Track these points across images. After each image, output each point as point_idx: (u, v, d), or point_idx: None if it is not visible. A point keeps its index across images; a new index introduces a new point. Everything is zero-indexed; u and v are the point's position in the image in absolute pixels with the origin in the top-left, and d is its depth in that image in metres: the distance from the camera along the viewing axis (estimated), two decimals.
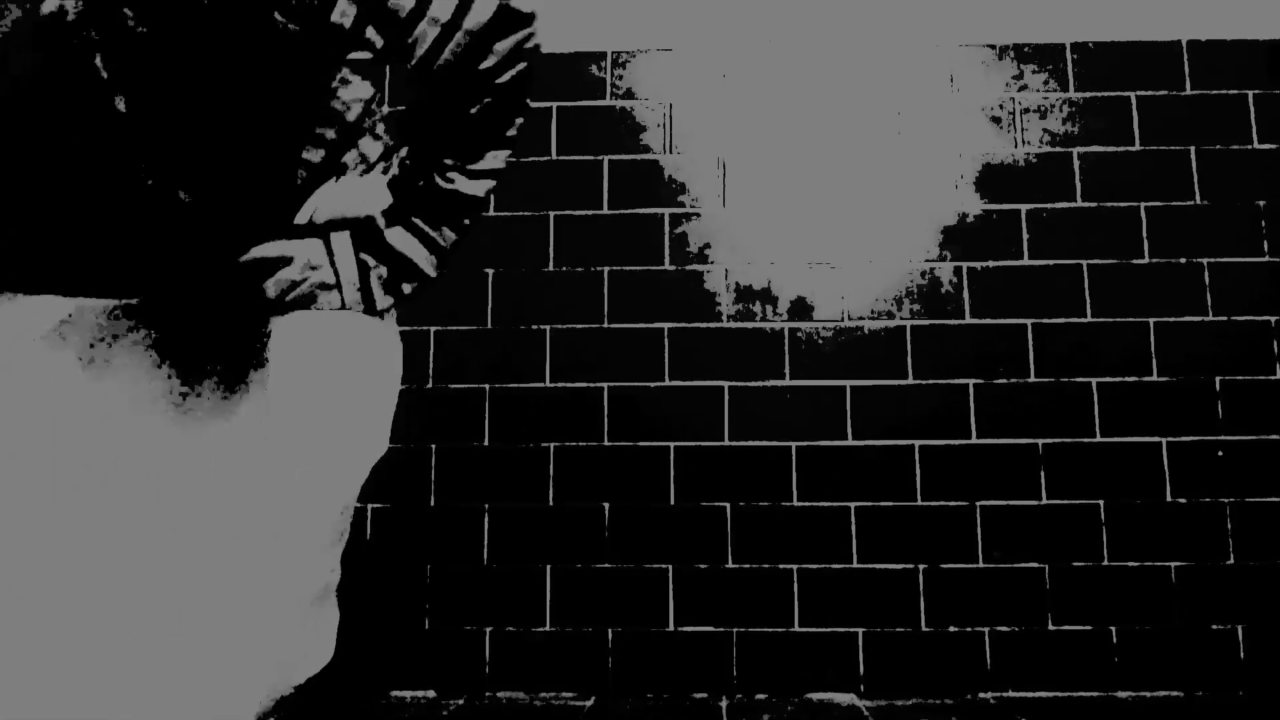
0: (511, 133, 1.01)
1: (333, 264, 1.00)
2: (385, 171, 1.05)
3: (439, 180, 1.00)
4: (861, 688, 1.95)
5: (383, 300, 1.03)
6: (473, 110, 0.96)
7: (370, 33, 0.87)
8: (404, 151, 1.07)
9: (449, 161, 1.00)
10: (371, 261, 1.02)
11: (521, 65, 0.95)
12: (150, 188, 0.87)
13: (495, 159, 1.01)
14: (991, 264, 2.08)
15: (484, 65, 0.92)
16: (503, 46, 0.92)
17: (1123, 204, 2.09)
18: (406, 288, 1.05)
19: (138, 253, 0.90)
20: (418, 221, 1.01)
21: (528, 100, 1.00)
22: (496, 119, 0.98)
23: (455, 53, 0.90)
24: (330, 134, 1.01)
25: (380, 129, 1.08)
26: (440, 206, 1.01)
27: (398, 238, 1.02)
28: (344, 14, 0.85)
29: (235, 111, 0.88)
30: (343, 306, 1.01)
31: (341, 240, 1.01)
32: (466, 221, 1.04)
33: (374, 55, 0.90)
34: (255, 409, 0.93)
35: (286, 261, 0.97)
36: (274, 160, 0.96)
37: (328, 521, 0.93)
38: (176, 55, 0.83)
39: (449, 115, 0.97)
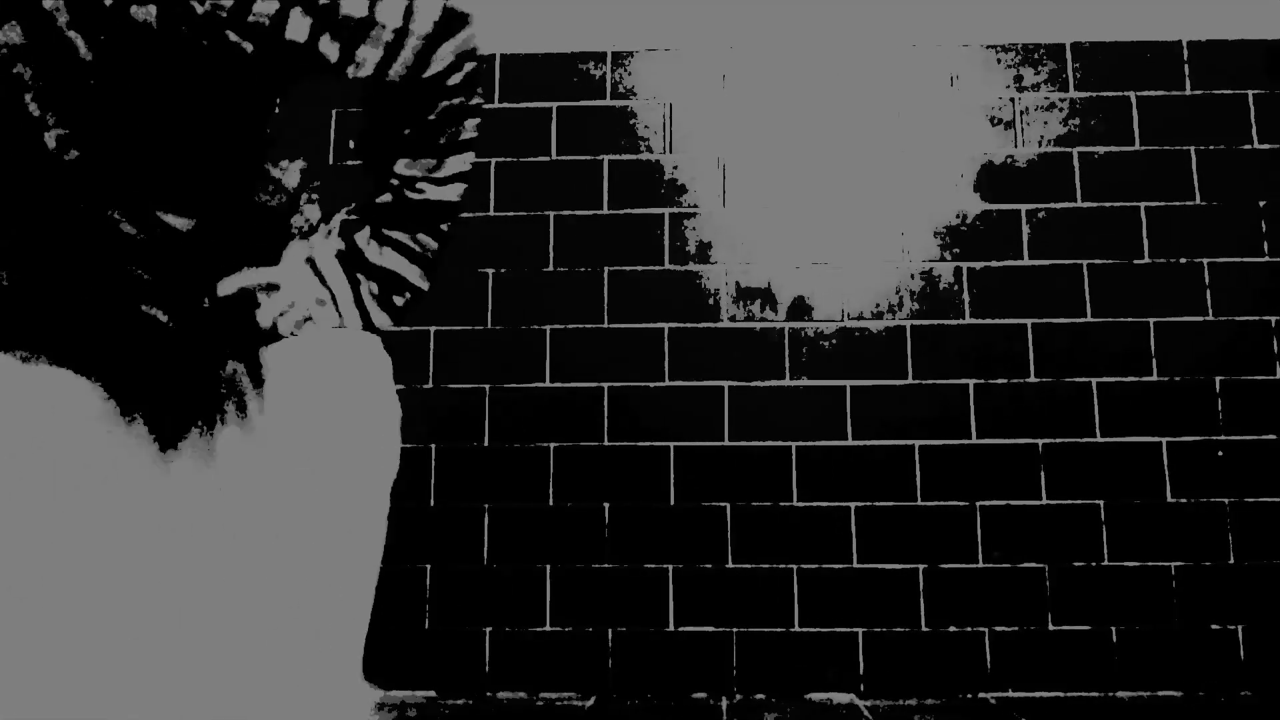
0: (470, 135, 1.02)
1: (324, 284, 1.00)
2: (328, 235, 1.06)
3: (408, 192, 1.01)
4: (861, 687, 1.95)
5: (379, 316, 1.04)
6: (430, 117, 0.97)
7: (325, 44, 0.86)
8: (344, 213, 1.09)
9: (415, 174, 1.00)
10: (361, 278, 1.02)
11: (470, 66, 0.97)
12: (92, 222, 0.86)
13: (459, 163, 1.01)
14: (991, 264, 2.08)
15: (435, 70, 0.94)
16: (449, 49, 0.94)
17: (1123, 204, 2.09)
18: (399, 300, 1.05)
19: (95, 301, 0.89)
20: (395, 235, 1.02)
21: (479, 102, 1.01)
22: (453, 123, 0.99)
23: (408, 60, 0.91)
24: (274, 201, 1.01)
25: (316, 198, 1.09)
26: (414, 217, 1.02)
27: (379, 254, 1.02)
28: (299, 28, 0.84)
29: (185, 139, 0.88)
30: (340, 325, 1.01)
31: (329, 261, 1.02)
32: (444, 227, 1.04)
33: (328, 70, 0.89)
34: (241, 448, 0.92)
35: (275, 288, 0.96)
36: (230, 186, 0.95)
37: (354, 556, 0.92)
38: (126, 81, 0.82)
39: (407, 124, 0.98)
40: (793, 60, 2.18)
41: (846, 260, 2.10)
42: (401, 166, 1.00)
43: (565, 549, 2.02)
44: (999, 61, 2.16)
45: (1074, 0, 2.17)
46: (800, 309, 2.09)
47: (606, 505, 2.03)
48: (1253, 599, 1.94)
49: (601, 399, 2.07)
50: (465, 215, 2.15)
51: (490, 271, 2.13)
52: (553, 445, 2.06)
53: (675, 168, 2.15)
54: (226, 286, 0.94)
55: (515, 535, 2.03)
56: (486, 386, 2.08)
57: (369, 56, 0.89)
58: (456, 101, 0.98)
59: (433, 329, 2.11)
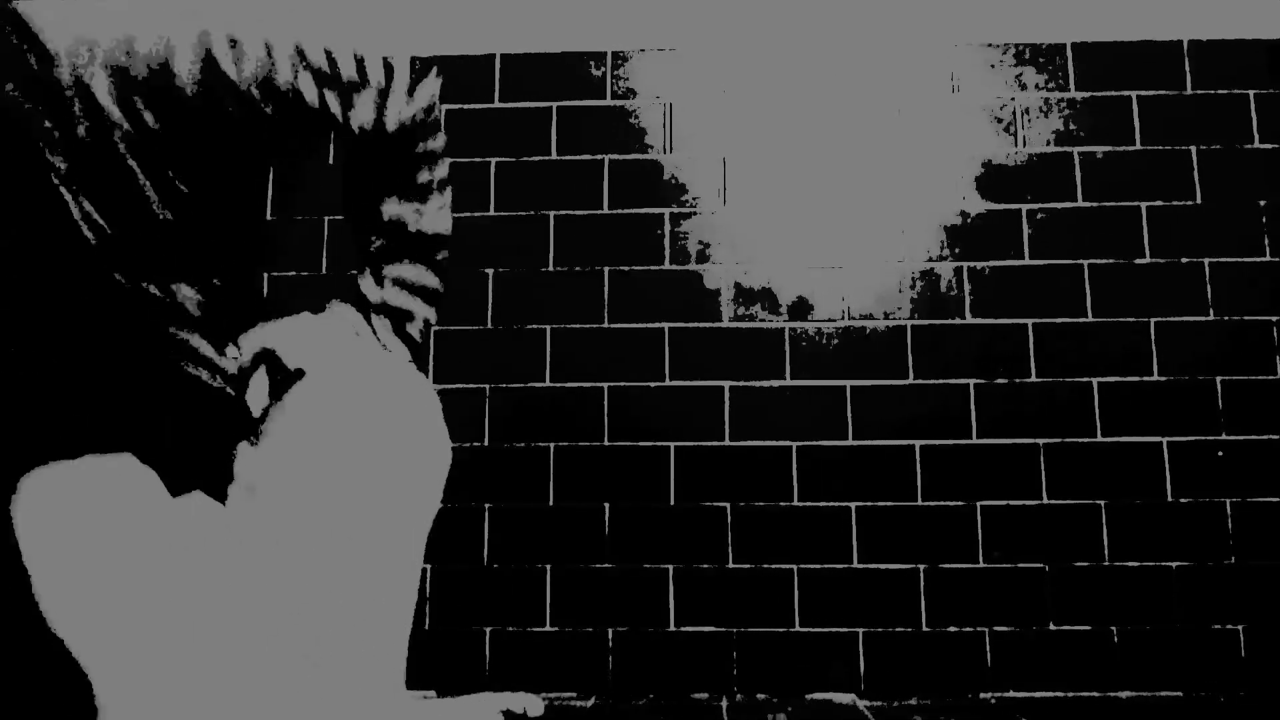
0: (444, 175, 1.11)
1: (336, 319, 1.07)
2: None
3: (401, 232, 1.09)
4: (862, 687, 1.95)
5: (398, 348, 1.10)
6: (414, 152, 1.06)
7: (330, 100, 0.97)
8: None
9: (405, 215, 1.08)
10: (373, 315, 1.09)
11: (439, 109, 1.08)
12: (123, 288, 0.92)
13: (441, 200, 1.11)
14: (992, 264, 2.08)
15: (414, 112, 1.05)
16: (424, 94, 1.05)
17: (1123, 204, 2.09)
18: (413, 330, 1.11)
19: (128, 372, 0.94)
20: (396, 273, 1.09)
21: (444, 144, 1.12)
22: (432, 161, 1.09)
23: (399, 106, 1.03)
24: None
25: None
26: (411, 253, 1.10)
27: (382, 294, 1.09)
28: (310, 91, 0.96)
29: (211, 207, 0.96)
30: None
31: (337, 305, 1.09)
32: (440, 259, 1.12)
33: (336, 125, 1.00)
34: (244, 504, 0.97)
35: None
36: (240, 256, 1.04)
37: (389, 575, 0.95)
38: (165, 153, 0.89)
39: (394, 166, 1.07)
40: (793, 60, 2.18)
41: (847, 260, 2.10)
42: (390, 209, 1.08)
43: (565, 549, 2.02)
44: (999, 61, 2.15)
45: (1074, 0, 2.17)
46: (801, 309, 2.09)
47: (606, 505, 2.03)
48: (1253, 599, 1.94)
49: (601, 399, 2.07)
50: (465, 215, 2.15)
51: (490, 271, 2.13)
52: (553, 445, 2.06)
53: (675, 167, 2.15)
54: (247, 347, 1.00)
55: (515, 535, 2.03)
56: (486, 386, 2.08)
57: (364, 107, 1.00)
58: (432, 140, 1.08)
59: (433, 329, 2.11)
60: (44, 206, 0.86)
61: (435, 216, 1.10)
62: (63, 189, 0.86)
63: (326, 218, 2.13)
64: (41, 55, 0.85)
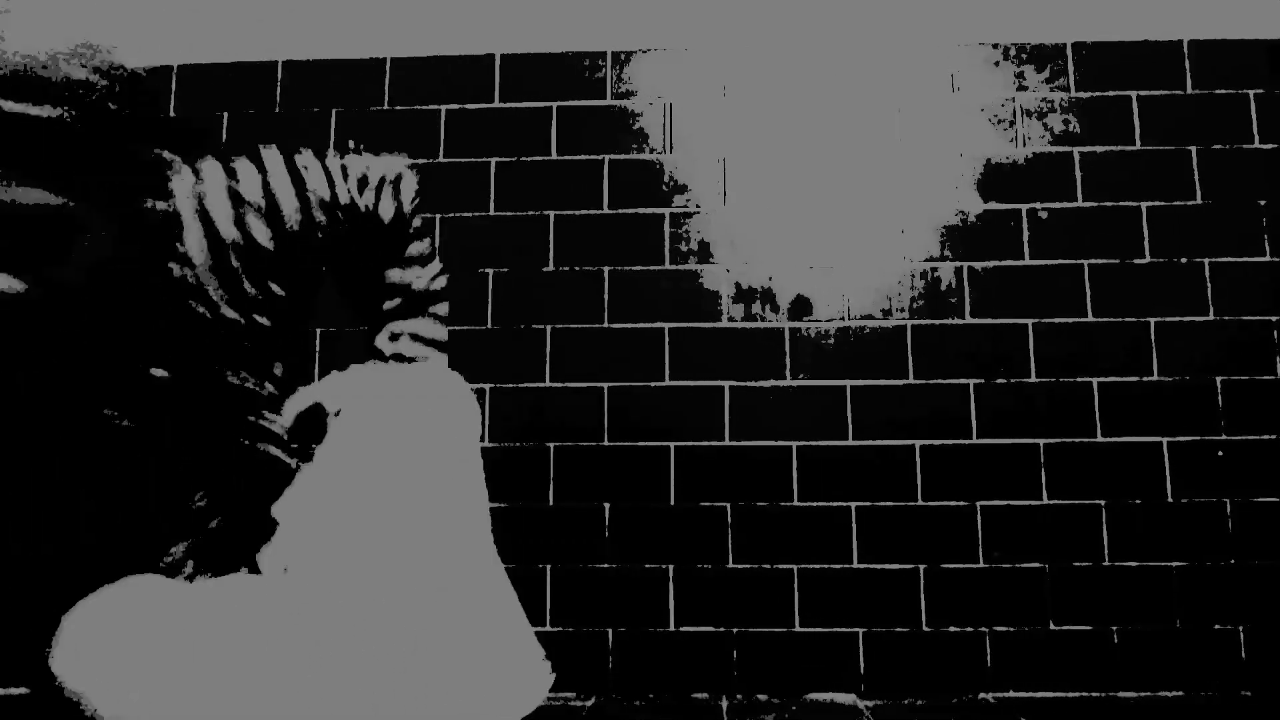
0: (433, 248, 1.31)
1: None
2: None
3: (408, 293, 1.25)
4: (862, 687, 1.94)
5: None
6: (409, 230, 1.25)
7: (370, 200, 1.18)
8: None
9: (409, 280, 1.25)
10: (389, 363, 1.24)
11: (418, 197, 1.27)
12: (229, 383, 1.08)
13: (434, 267, 1.29)
14: (992, 264, 2.08)
15: (411, 195, 1.25)
16: (412, 183, 1.25)
17: (1123, 204, 2.08)
18: None
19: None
20: (407, 328, 1.25)
21: (421, 222, 1.32)
22: (423, 236, 1.29)
23: (408, 194, 1.24)
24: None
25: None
26: (417, 309, 1.26)
27: (396, 346, 1.24)
28: (360, 198, 1.17)
29: (304, 301, 1.17)
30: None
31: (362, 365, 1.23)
32: (443, 313, 1.29)
33: (375, 218, 1.20)
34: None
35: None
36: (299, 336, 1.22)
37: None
38: (273, 266, 1.09)
39: (396, 242, 1.25)
40: (793, 59, 2.18)
41: (847, 260, 2.10)
42: (395, 275, 1.25)
43: (565, 549, 2.02)
44: (999, 61, 2.15)
45: (1074, 0, 2.17)
46: (801, 308, 2.09)
47: (606, 505, 2.03)
48: (1253, 599, 1.94)
49: (602, 399, 2.07)
50: (465, 215, 2.15)
51: (490, 271, 2.13)
52: (553, 445, 2.06)
53: (675, 167, 2.15)
54: (289, 412, 1.14)
55: (515, 535, 2.03)
56: (487, 387, 2.08)
57: (386, 199, 1.20)
58: (418, 219, 1.28)
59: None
60: (171, 312, 1.02)
61: (434, 279, 1.28)
62: (186, 297, 1.02)
63: None
64: (166, 178, 1.03)
